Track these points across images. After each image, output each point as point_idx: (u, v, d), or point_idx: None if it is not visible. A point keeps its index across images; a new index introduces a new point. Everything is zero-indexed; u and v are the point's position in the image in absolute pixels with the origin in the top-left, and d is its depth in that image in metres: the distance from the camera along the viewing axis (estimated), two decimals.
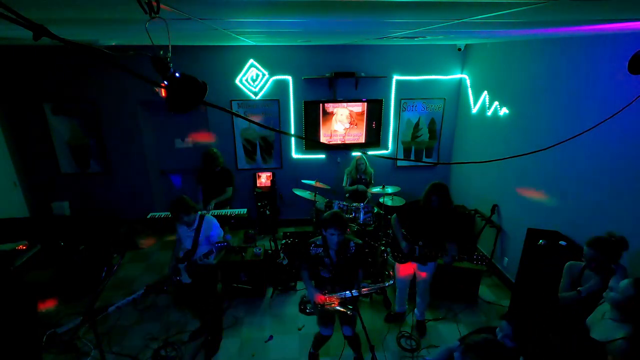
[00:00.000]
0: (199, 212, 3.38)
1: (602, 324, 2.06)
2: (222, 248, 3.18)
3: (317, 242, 2.84)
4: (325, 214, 2.72)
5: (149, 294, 3.54)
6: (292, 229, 5.84)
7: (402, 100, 5.74)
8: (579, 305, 2.46)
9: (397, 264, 3.61)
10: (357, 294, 2.87)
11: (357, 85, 5.58)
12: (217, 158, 4.53)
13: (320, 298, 2.84)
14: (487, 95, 4.97)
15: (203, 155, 4.56)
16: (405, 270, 3.60)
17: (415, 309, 3.80)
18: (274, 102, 5.55)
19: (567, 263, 2.68)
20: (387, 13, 1.86)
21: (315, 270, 2.89)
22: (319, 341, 3.25)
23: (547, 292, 2.75)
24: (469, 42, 5.13)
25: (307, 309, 3.01)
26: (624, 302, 1.96)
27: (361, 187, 5.13)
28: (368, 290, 2.99)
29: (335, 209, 4.51)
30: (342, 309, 2.85)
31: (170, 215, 4.39)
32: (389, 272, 4.55)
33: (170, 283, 3.44)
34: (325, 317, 3.02)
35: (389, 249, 4.54)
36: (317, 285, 2.95)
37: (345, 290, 2.84)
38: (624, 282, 2.00)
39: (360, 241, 2.86)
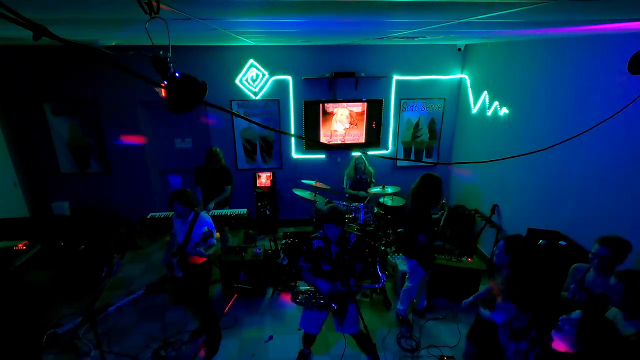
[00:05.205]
0: (196, 209, 3.42)
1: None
2: (207, 237, 3.20)
3: (319, 235, 2.87)
4: (323, 209, 2.76)
5: (149, 294, 3.53)
6: (292, 229, 5.84)
7: (402, 100, 5.74)
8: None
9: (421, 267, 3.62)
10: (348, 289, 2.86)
11: (357, 85, 5.58)
12: (218, 156, 4.58)
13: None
14: (487, 95, 4.97)
15: (206, 155, 4.61)
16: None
17: (419, 302, 3.97)
18: (274, 102, 5.55)
19: (573, 265, 2.66)
20: (387, 13, 1.86)
21: (316, 264, 2.89)
22: (310, 340, 3.28)
23: (546, 292, 2.75)
24: (469, 42, 5.12)
25: (297, 298, 2.99)
26: (625, 298, 1.96)
27: (362, 193, 5.13)
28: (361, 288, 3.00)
29: None
30: (330, 305, 2.82)
31: (170, 215, 4.42)
32: (388, 272, 4.55)
33: (169, 281, 3.45)
34: (314, 316, 3.01)
35: (398, 255, 4.60)
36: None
37: (344, 285, 2.84)
38: (613, 282, 2.02)
39: (360, 233, 2.88)
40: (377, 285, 3.24)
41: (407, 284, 3.77)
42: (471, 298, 3.06)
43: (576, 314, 1.84)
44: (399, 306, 3.88)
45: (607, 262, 2.35)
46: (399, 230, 5.31)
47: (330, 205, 2.79)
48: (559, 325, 1.85)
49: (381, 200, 4.86)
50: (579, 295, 2.48)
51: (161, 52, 1.21)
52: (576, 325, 1.77)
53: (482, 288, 4.36)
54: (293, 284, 4.50)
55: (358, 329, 3.02)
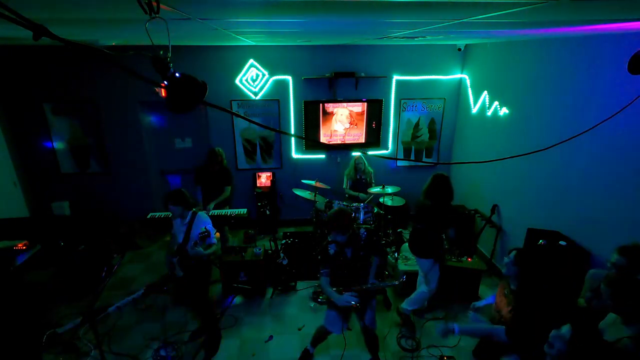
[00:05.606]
0: (193, 209, 3.42)
1: (613, 327, 2.08)
2: (204, 237, 3.21)
3: (330, 240, 2.88)
4: (327, 214, 2.75)
5: (149, 294, 3.53)
6: (292, 229, 5.84)
7: (402, 100, 5.74)
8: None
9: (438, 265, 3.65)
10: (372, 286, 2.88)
11: (357, 85, 5.58)
12: (220, 156, 4.58)
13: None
14: (487, 95, 4.97)
15: (208, 154, 4.62)
16: None
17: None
18: (274, 102, 5.55)
19: (590, 271, 2.63)
20: (387, 13, 1.86)
21: (334, 268, 2.90)
22: (322, 336, 3.26)
23: (546, 293, 2.75)
24: (469, 42, 5.12)
25: (319, 298, 3.01)
26: (613, 303, 1.97)
27: (362, 195, 5.13)
28: (375, 286, 2.99)
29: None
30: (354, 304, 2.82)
31: (170, 215, 4.42)
32: (388, 272, 4.55)
33: (170, 282, 3.46)
34: (338, 315, 3.00)
35: (399, 255, 4.54)
36: (335, 282, 2.92)
37: (362, 284, 2.86)
38: (602, 288, 2.03)
39: (370, 226, 2.87)
40: (395, 283, 3.22)
41: (429, 286, 3.68)
42: (483, 302, 3.05)
43: (566, 328, 1.81)
44: (407, 306, 3.81)
45: (626, 271, 2.28)
46: (398, 230, 5.32)
47: (333, 211, 2.78)
48: (550, 342, 1.83)
49: (381, 200, 4.86)
50: (595, 303, 2.46)
51: (161, 52, 1.20)
52: (567, 344, 1.75)
53: (481, 288, 4.38)
54: (293, 284, 4.50)
55: (376, 325, 3.07)
